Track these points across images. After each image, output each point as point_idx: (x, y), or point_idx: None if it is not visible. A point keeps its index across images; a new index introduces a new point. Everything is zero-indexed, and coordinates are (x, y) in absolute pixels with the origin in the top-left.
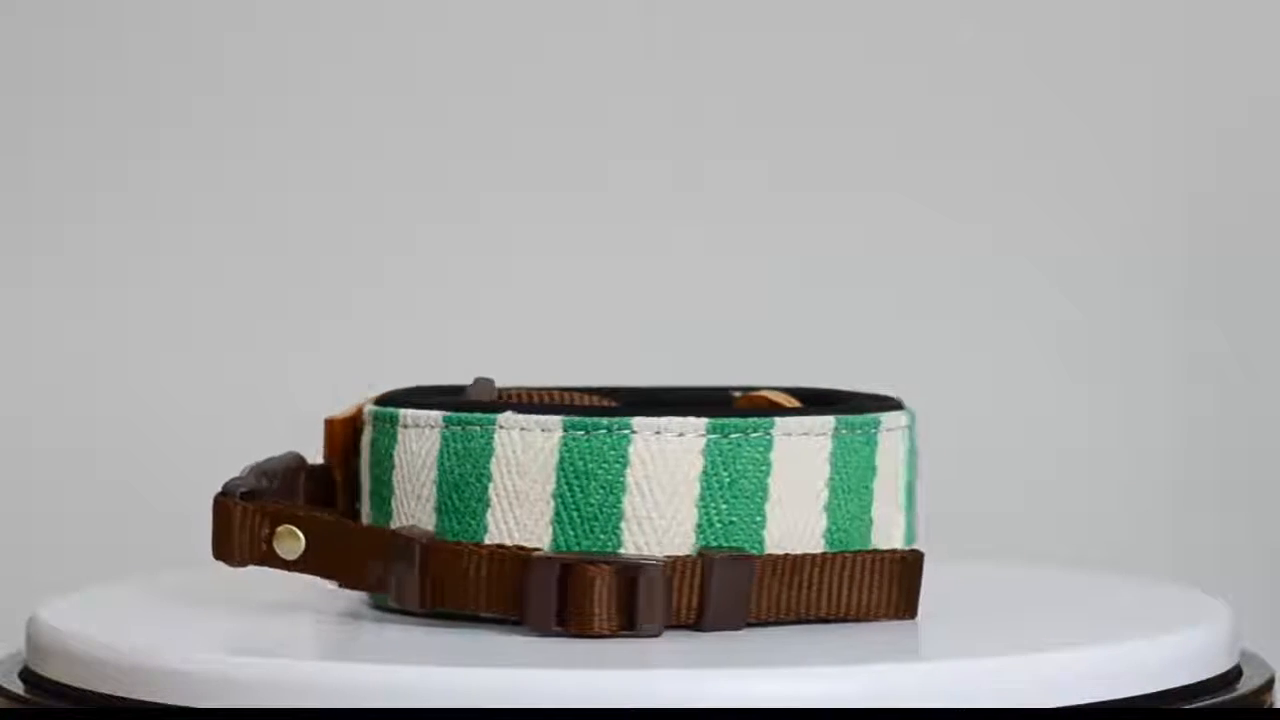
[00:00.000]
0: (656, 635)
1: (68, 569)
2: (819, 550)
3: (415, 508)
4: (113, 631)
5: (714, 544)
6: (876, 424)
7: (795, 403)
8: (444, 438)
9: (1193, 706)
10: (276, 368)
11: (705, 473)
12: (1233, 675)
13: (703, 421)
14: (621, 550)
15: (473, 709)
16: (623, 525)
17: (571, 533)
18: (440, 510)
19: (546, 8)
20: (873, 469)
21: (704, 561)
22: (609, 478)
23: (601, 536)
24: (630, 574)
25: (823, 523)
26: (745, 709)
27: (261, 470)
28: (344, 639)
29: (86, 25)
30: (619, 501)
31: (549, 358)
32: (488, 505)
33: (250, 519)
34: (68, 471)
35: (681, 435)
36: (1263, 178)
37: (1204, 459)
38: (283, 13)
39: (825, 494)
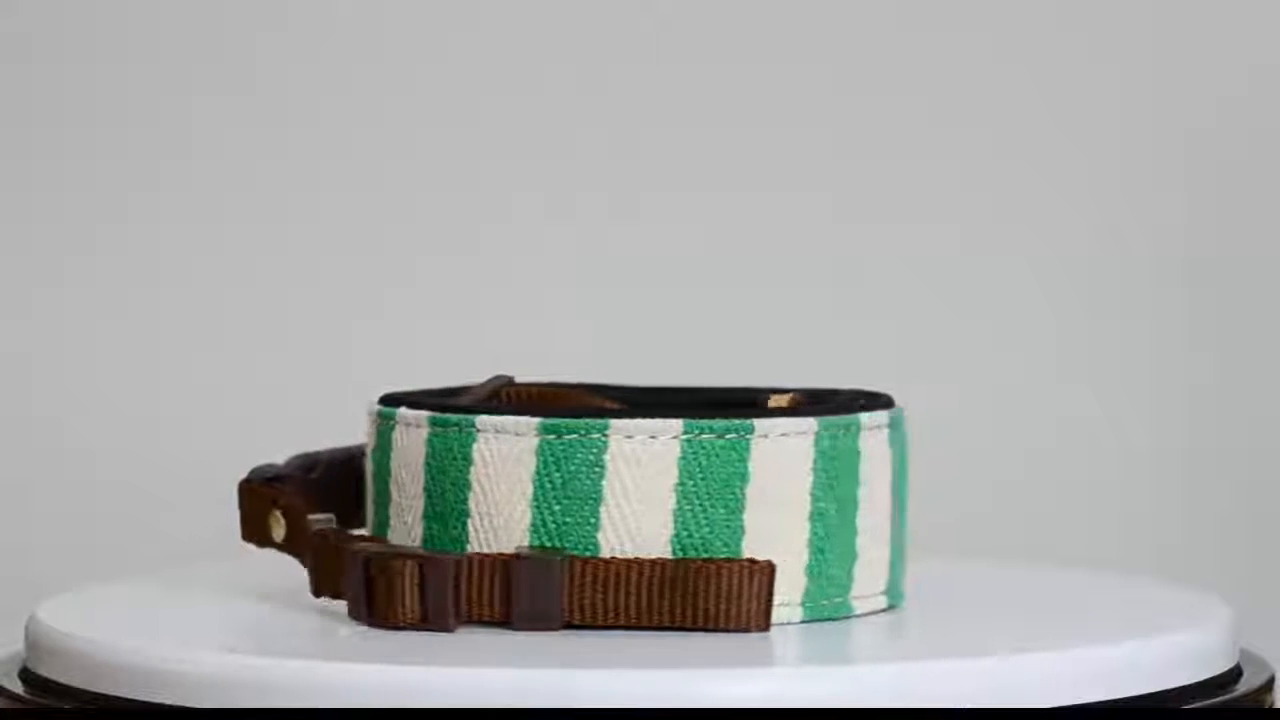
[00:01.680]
0: (450, 630)
1: (68, 569)
2: (665, 557)
3: (368, 501)
4: (112, 631)
5: (547, 544)
6: (747, 429)
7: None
8: (376, 433)
9: (1193, 706)
10: (276, 368)
11: (538, 473)
12: (1233, 675)
13: (535, 421)
14: (468, 547)
15: (472, 709)
16: (468, 523)
17: (434, 528)
18: (373, 504)
19: (572, 9)
20: (744, 475)
21: (508, 561)
22: (457, 475)
23: (453, 533)
24: (423, 569)
25: (670, 529)
26: (745, 709)
27: (304, 459)
28: (344, 639)
29: (118, 25)
30: (465, 499)
31: (581, 356)
32: (389, 500)
33: (255, 503)
34: (68, 471)
35: (517, 435)
36: (1263, 176)
37: (1204, 458)
38: (314, 13)
39: (673, 499)
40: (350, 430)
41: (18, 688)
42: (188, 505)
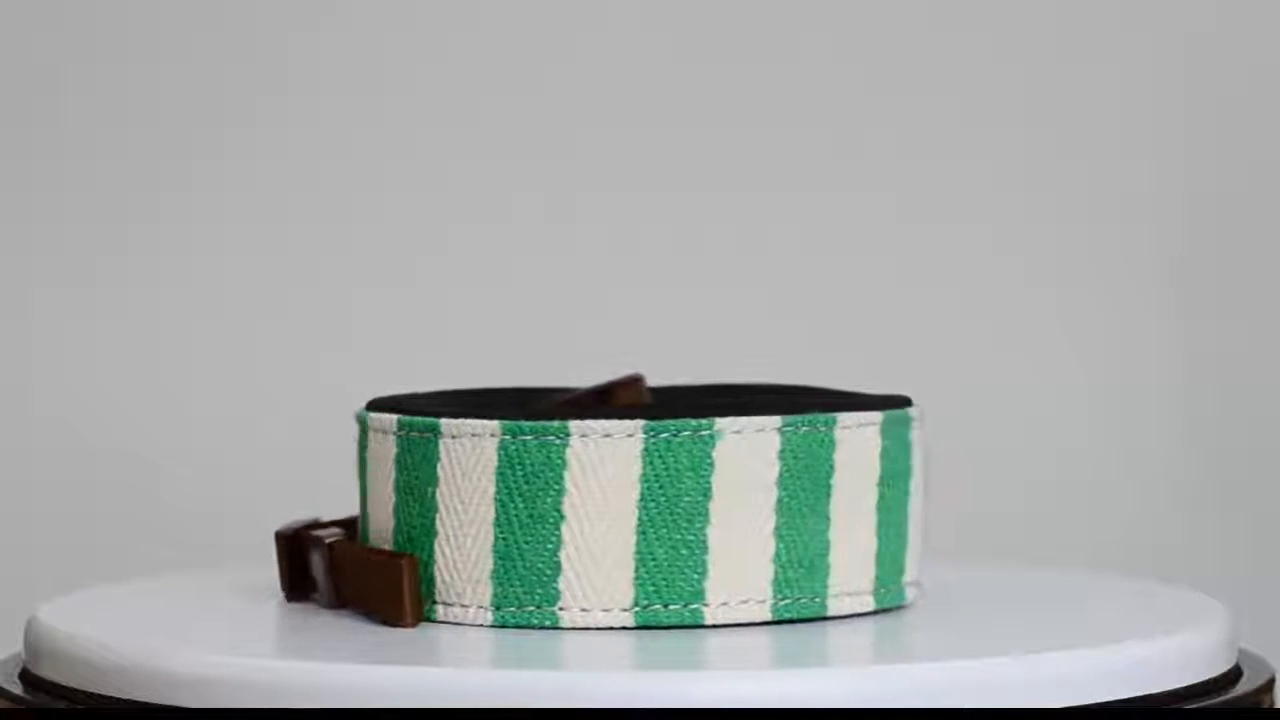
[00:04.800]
0: (287, 600)
1: (68, 569)
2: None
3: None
4: (111, 632)
5: (364, 537)
6: (434, 428)
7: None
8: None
9: (1193, 707)
10: (276, 368)
11: (358, 462)
12: (1232, 675)
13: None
14: None
15: (474, 709)
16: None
17: None
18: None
19: (572, 9)
20: (433, 477)
21: (306, 540)
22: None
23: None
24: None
25: (391, 524)
26: (746, 709)
27: None
28: (343, 640)
29: (118, 25)
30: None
31: (581, 357)
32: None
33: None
34: (68, 471)
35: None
36: (1263, 176)
37: (1204, 459)
38: (314, 13)
39: (394, 498)
40: (350, 430)
41: (17, 689)
42: (188, 505)
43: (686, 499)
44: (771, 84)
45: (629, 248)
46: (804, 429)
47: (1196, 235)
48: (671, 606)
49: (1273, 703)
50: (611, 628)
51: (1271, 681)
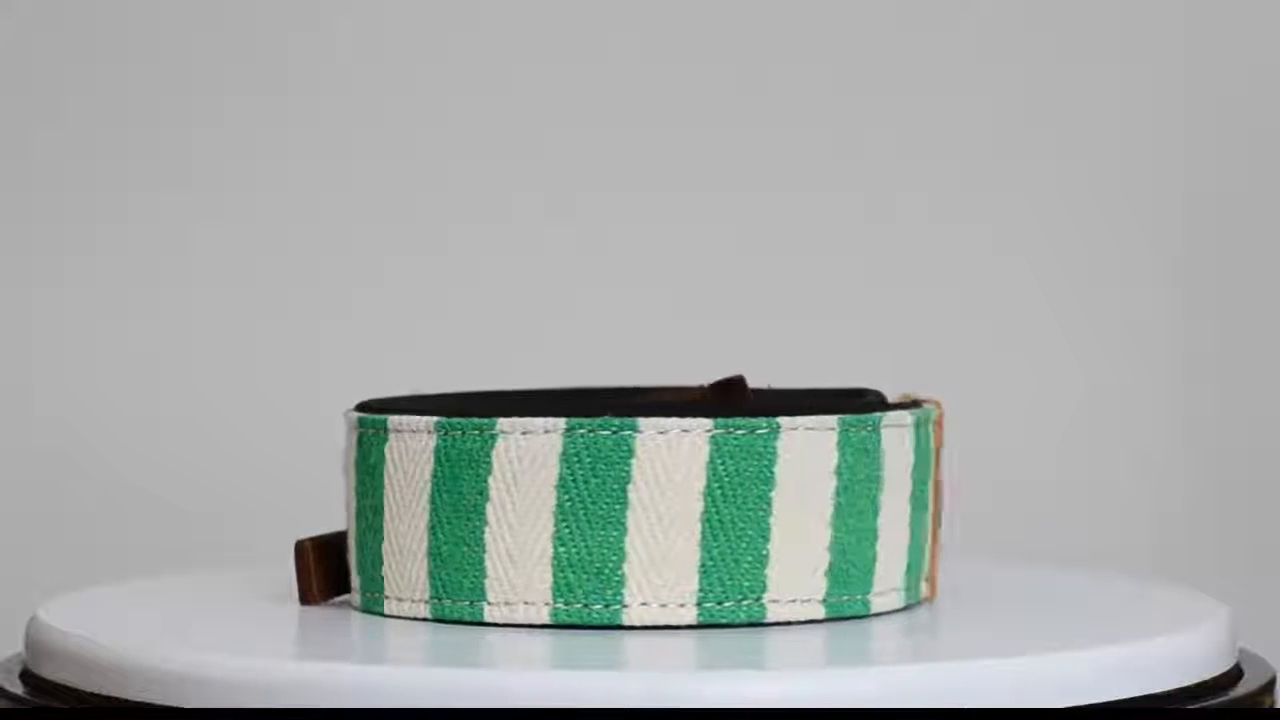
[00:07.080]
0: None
1: (68, 569)
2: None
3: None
4: (112, 632)
5: None
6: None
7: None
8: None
9: (1193, 707)
10: (277, 369)
11: None
12: (1233, 676)
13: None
14: None
15: (474, 709)
16: None
17: None
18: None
19: (574, 9)
20: (345, 469)
21: None
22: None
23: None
24: None
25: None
26: (747, 709)
27: None
28: (343, 641)
29: (118, 25)
30: None
31: (581, 357)
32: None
33: None
34: (68, 471)
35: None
36: (1263, 176)
37: (1204, 459)
38: (314, 13)
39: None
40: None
41: (18, 688)
42: (188, 506)
43: (467, 498)
44: (773, 84)
45: (629, 248)
46: (602, 432)
47: (1196, 235)
48: (459, 602)
49: (1273, 703)
50: (414, 619)
51: (1272, 681)
